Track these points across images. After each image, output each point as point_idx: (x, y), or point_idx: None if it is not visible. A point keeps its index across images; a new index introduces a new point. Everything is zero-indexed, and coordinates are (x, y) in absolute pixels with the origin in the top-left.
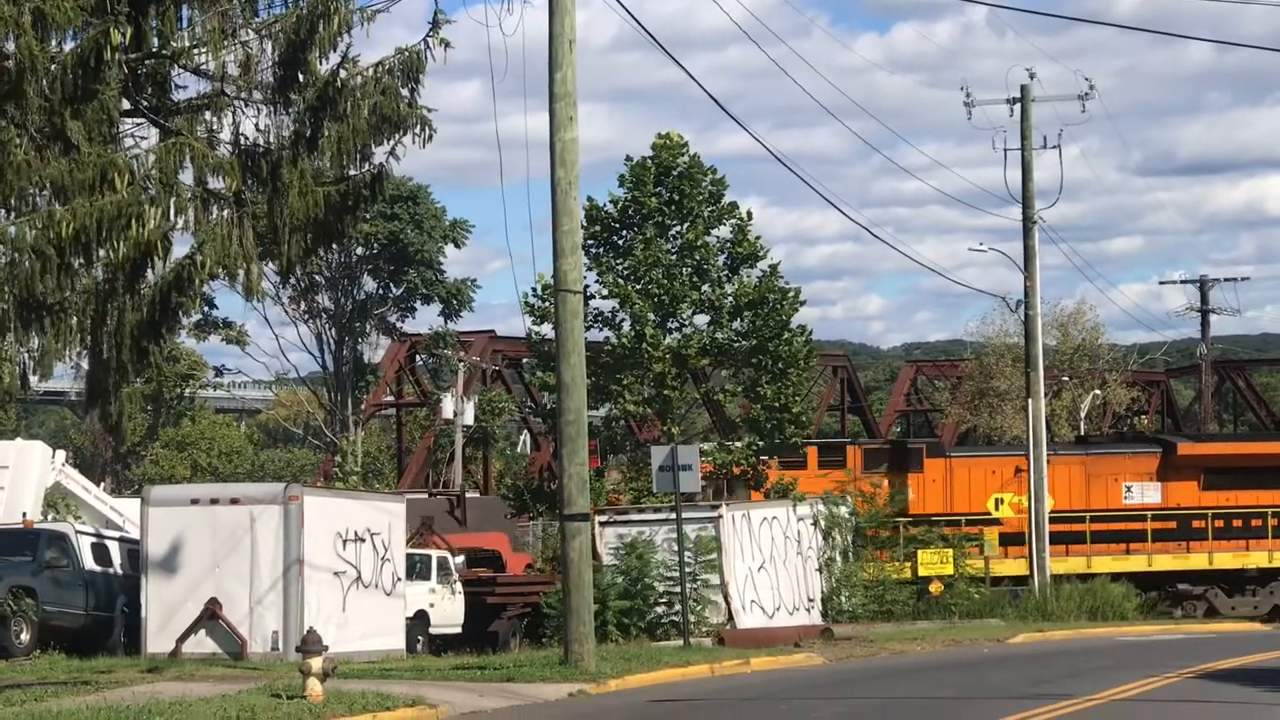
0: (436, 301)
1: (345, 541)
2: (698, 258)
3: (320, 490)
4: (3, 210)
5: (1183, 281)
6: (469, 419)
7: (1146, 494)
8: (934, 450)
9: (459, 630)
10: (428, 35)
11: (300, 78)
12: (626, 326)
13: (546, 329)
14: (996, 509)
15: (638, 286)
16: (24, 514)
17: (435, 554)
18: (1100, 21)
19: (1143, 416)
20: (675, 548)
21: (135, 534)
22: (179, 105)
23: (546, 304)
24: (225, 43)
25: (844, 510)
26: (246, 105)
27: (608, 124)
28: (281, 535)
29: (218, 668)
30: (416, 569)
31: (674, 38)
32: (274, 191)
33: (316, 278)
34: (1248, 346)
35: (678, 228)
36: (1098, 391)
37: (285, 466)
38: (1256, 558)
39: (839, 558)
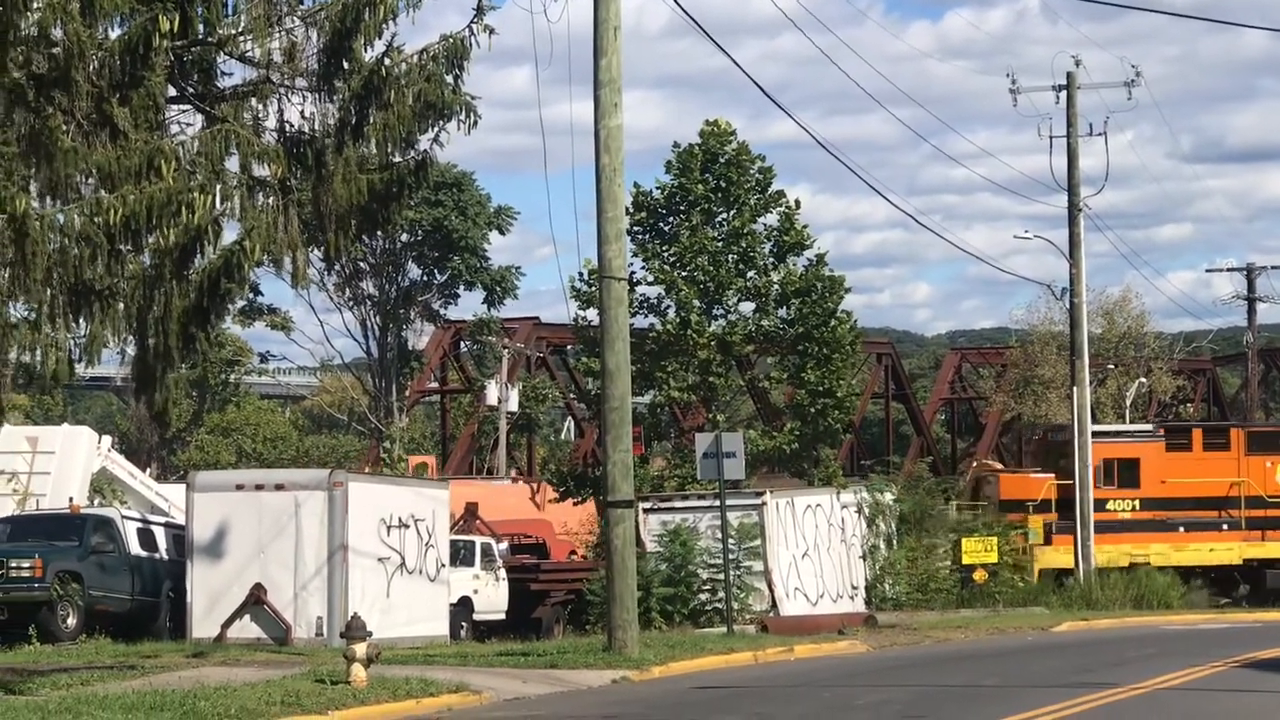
0: (480, 288)
1: (389, 527)
2: (744, 245)
3: (364, 476)
4: (50, 196)
5: (1230, 269)
6: (513, 405)
7: None
8: None
9: (503, 617)
10: (472, 21)
11: (345, 65)
12: (672, 313)
13: (593, 314)
14: None
15: (683, 273)
16: (70, 499)
17: (479, 540)
18: (1152, 9)
19: (1188, 405)
20: (719, 535)
21: (180, 519)
22: (224, 92)
23: (593, 289)
24: (271, 30)
25: (888, 497)
26: (291, 92)
27: (659, 111)
28: (326, 521)
29: (262, 653)
30: (460, 555)
31: (726, 25)
32: (319, 178)
33: (361, 264)
34: None
35: (724, 215)
36: (1143, 380)
37: (330, 453)
38: None
39: (883, 545)
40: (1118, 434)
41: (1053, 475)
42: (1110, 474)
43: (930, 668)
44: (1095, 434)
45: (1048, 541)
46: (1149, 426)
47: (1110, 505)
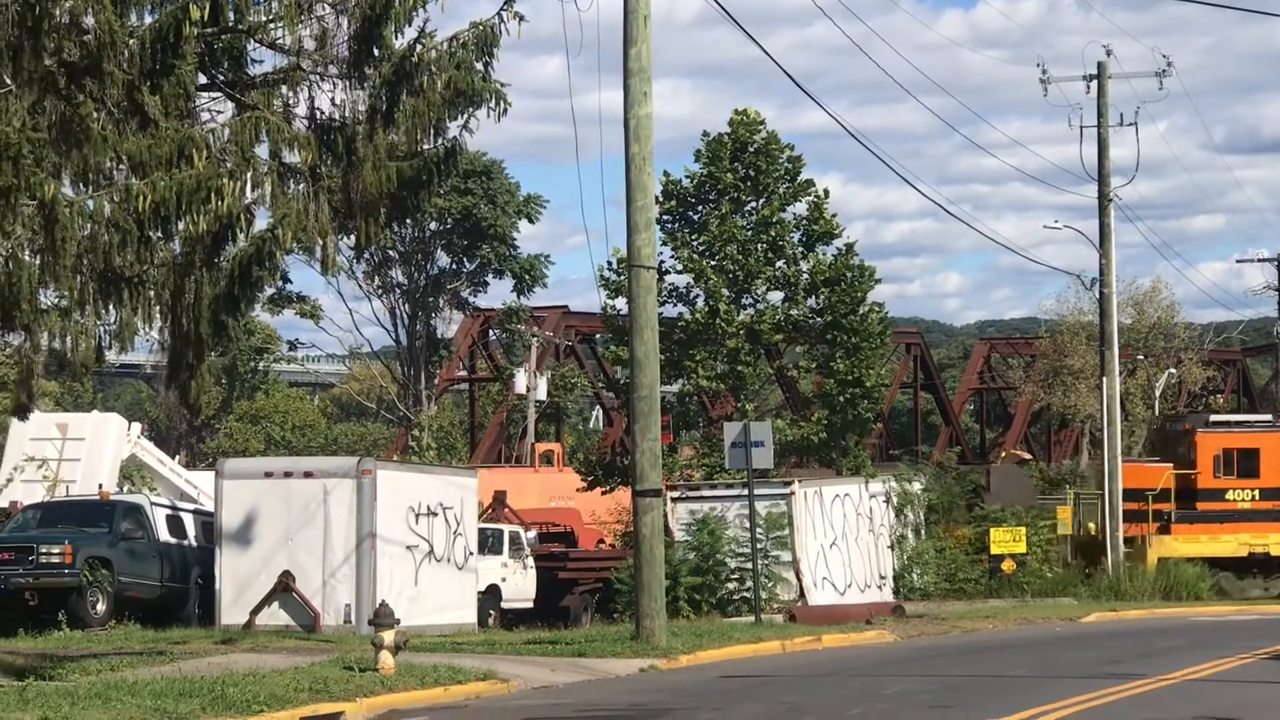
0: (509, 277)
1: (418, 515)
2: (773, 234)
3: (393, 464)
4: (81, 184)
5: (1261, 260)
6: (541, 394)
7: None
8: None
9: (531, 605)
10: (502, 9)
11: (376, 52)
12: (701, 302)
13: (621, 303)
14: None
15: (712, 262)
16: (100, 485)
17: (507, 529)
18: None
19: (1218, 396)
20: (747, 524)
21: (209, 506)
22: (254, 80)
23: (622, 278)
24: (301, 17)
25: (917, 487)
26: (322, 80)
27: (690, 100)
28: (354, 509)
29: (291, 640)
30: (489, 543)
31: (758, 14)
32: (349, 165)
33: (390, 252)
34: None
35: (753, 204)
36: (1173, 370)
37: (358, 441)
38: None
39: (911, 535)
40: (1237, 424)
41: (1170, 465)
42: (1229, 464)
43: (958, 658)
44: (1213, 423)
45: (1166, 531)
46: (1268, 417)
47: (1229, 495)
